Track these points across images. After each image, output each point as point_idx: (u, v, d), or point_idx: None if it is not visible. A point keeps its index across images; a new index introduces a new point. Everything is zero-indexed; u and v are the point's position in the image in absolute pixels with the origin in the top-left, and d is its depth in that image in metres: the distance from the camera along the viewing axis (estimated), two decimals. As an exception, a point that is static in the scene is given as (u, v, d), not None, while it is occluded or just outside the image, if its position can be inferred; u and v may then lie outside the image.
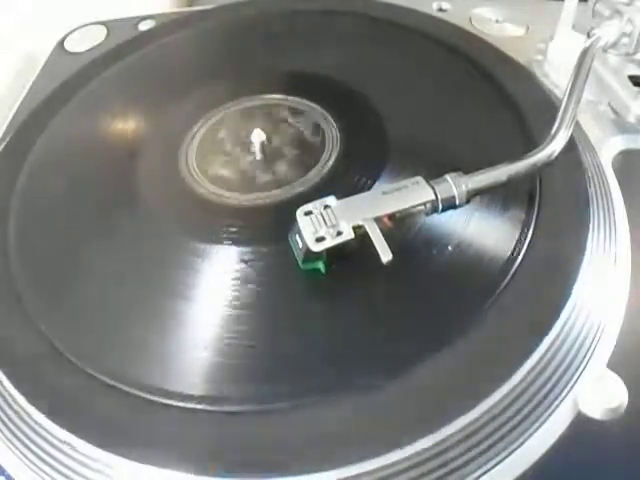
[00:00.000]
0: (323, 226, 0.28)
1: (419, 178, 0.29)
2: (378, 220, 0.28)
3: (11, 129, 0.41)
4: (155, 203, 0.34)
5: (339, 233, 0.28)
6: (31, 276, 0.32)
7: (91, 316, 0.30)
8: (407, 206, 0.29)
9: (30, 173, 0.37)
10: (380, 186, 0.32)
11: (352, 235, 0.28)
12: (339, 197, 0.29)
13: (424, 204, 0.29)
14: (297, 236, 0.28)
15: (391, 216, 0.28)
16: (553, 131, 0.31)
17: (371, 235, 0.27)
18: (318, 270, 0.29)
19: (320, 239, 0.28)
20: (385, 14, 0.44)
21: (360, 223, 0.28)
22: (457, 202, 0.29)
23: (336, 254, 0.28)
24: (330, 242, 0.28)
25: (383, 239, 0.27)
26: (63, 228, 0.34)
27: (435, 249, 0.30)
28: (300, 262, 0.29)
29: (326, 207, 0.28)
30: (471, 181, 0.29)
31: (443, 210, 0.29)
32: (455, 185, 0.29)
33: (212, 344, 0.28)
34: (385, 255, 0.27)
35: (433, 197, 0.29)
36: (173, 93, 0.41)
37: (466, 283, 0.29)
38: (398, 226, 0.29)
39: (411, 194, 0.29)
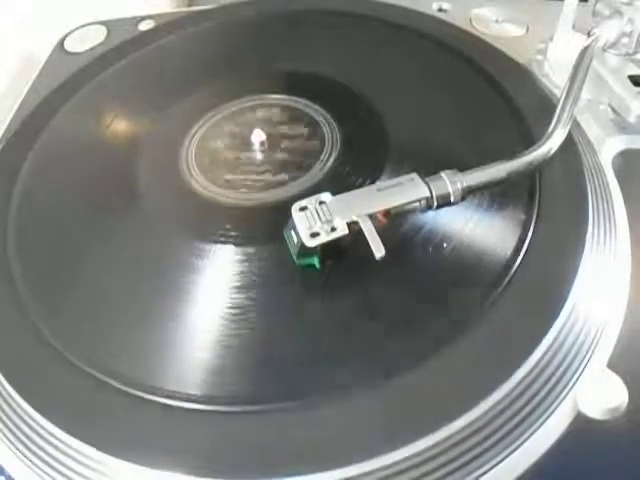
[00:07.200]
0: (318, 222, 0.28)
1: (414, 175, 0.29)
2: (372, 216, 0.28)
3: (11, 129, 0.41)
4: (155, 203, 0.34)
5: (333, 229, 0.28)
6: (31, 276, 0.32)
7: (91, 316, 0.30)
8: (401, 203, 0.29)
9: (30, 173, 0.37)
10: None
11: (346, 231, 0.28)
12: (338, 196, 0.29)
13: (419, 201, 0.29)
14: (292, 231, 0.29)
15: (386, 212, 0.28)
16: (550, 129, 0.32)
17: (365, 231, 0.27)
18: (313, 265, 0.29)
19: (315, 235, 0.28)
20: (385, 14, 0.44)
21: (354, 219, 0.28)
22: (452, 199, 0.29)
23: (331, 250, 0.28)
24: (324, 238, 0.28)
25: (377, 235, 0.27)
26: (63, 228, 0.34)
27: (434, 248, 0.30)
28: (295, 257, 0.29)
29: (321, 203, 0.29)
30: (466, 178, 0.29)
31: (438, 207, 0.29)
32: (450, 182, 0.29)
33: (212, 344, 0.28)
34: (378, 251, 0.27)
35: (428, 194, 0.29)
36: (173, 93, 0.41)
37: (465, 282, 0.29)
38: (393, 223, 0.29)
39: (406, 191, 0.29)
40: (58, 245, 0.33)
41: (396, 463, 0.24)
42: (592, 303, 0.29)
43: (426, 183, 0.29)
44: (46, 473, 0.26)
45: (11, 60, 0.50)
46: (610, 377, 0.27)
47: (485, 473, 0.25)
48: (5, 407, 0.28)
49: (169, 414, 0.26)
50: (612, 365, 0.28)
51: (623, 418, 0.26)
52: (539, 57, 0.43)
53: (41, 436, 0.27)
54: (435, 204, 0.29)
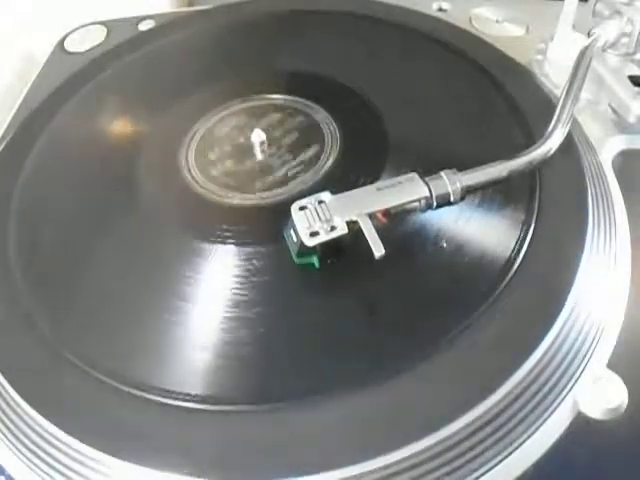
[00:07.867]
0: (317, 221, 0.28)
1: (414, 174, 0.29)
2: (372, 216, 0.28)
3: (11, 129, 0.41)
4: (155, 203, 0.34)
5: (333, 228, 0.28)
6: (31, 276, 0.32)
7: (91, 316, 0.30)
8: (401, 202, 0.29)
9: (30, 173, 0.37)
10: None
11: (346, 230, 0.28)
12: (338, 196, 0.29)
13: (418, 200, 0.29)
14: (292, 231, 0.29)
15: (385, 212, 0.28)
16: (550, 129, 0.32)
17: (364, 230, 0.27)
18: (312, 264, 0.29)
19: (314, 234, 0.28)
20: (385, 14, 0.44)
21: (354, 218, 0.28)
22: (452, 199, 0.29)
23: (330, 249, 0.28)
24: (324, 237, 0.28)
25: (376, 234, 0.27)
26: (63, 228, 0.34)
27: (434, 248, 0.30)
28: (294, 256, 0.29)
29: (320, 202, 0.29)
30: (466, 178, 0.29)
31: (438, 207, 0.29)
32: (449, 182, 0.29)
33: (212, 344, 0.28)
34: (377, 250, 0.27)
35: (427, 193, 0.29)
36: (173, 93, 0.41)
37: (465, 283, 0.29)
38: (392, 222, 0.29)
39: (405, 190, 0.29)
40: (58, 245, 0.33)
41: (396, 463, 0.24)
42: (592, 303, 0.29)
43: (426, 183, 0.29)
44: (46, 473, 0.26)
45: (11, 60, 0.50)
46: (610, 377, 0.27)
47: (485, 473, 0.25)
48: (5, 407, 0.28)
49: (169, 414, 0.26)
50: (612, 365, 0.28)
51: (623, 418, 0.26)
52: (539, 57, 0.43)
53: (41, 436, 0.27)
54: (435, 204, 0.29)
